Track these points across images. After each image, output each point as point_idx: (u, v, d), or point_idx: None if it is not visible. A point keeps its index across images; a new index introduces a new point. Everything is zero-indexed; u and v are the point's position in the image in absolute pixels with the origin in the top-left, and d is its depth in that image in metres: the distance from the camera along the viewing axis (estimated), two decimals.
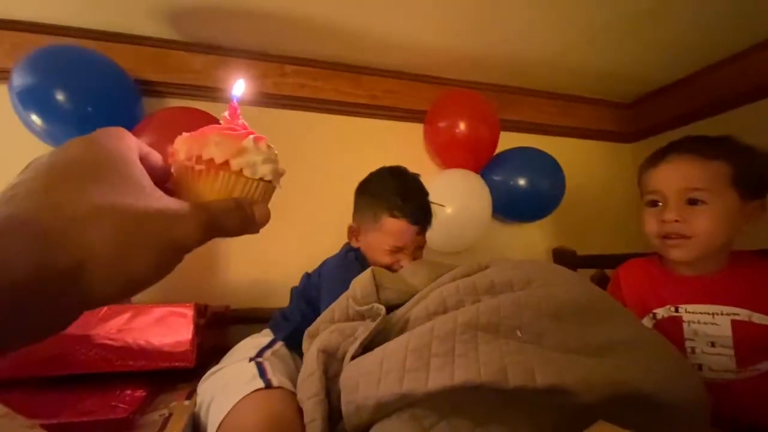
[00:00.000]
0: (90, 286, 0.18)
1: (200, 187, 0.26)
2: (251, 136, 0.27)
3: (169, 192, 0.25)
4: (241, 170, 0.26)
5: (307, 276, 0.87)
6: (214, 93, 1.14)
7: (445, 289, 0.56)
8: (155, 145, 0.96)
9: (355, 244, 0.86)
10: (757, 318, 0.63)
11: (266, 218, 0.28)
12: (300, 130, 1.23)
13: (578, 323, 0.48)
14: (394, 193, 0.79)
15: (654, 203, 0.72)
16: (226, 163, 0.26)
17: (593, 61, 1.30)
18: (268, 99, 1.19)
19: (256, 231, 0.27)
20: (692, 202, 0.66)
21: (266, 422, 0.49)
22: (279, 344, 0.74)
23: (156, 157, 0.26)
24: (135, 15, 1.02)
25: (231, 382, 0.59)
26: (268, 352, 0.69)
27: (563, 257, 1.35)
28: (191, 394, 0.68)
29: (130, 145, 0.23)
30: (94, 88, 0.90)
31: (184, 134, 0.27)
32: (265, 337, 0.77)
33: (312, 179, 1.21)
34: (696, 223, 0.66)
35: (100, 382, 0.68)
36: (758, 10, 1.03)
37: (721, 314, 0.66)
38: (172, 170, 0.27)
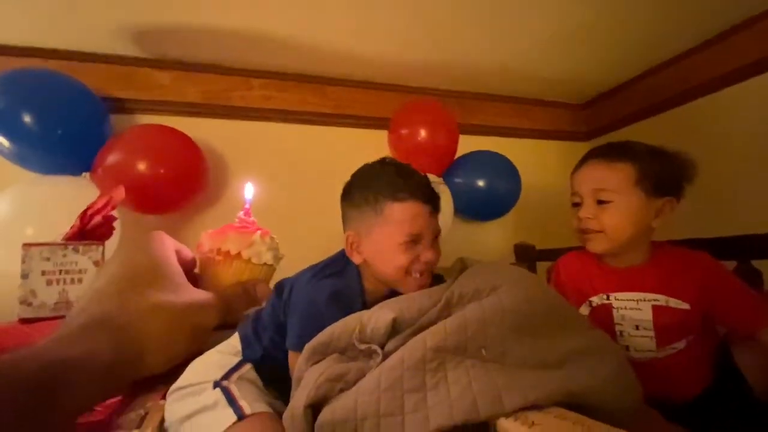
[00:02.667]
0: (146, 364, 0.25)
1: (219, 272, 0.36)
2: (259, 232, 0.38)
3: (196, 277, 0.35)
4: (250, 258, 0.36)
5: (279, 291, 0.71)
6: (181, 108, 1.17)
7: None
8: (126, 160, 0.99)
9: (357, 260, 0.68)
10: (673, 303, 0.72)
11: (266, 294, 0.37)
12: (268, 140, 1.28)
13: (537, 335, 0.52)
14: (392, 174, 0.65)
15: (576, 204, 0.80)
16: (239, 253, 0.36)
17: (547, 67, 1.39)
18: (236, 111, 1.23)
19: (261, 305, 0.36)
20: (601, 201, 0.75)
21: None
22: (247, 367, 0.67)
23: (186, 251, 0.34)
24: (101, 35, 1.05)
25: (200, 415, 0.57)
26: (234, 375, 0.65)
27: (524, 252, 1.44)
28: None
29: (170, 246, 0.31)
30: (60, 109, 0.93)
31: (209, 231, 0.37)
32: (231, 355, 0.70)
33: (282, 187, 1.25)
34: (604, 219, 0.74)
35: None
36: (689, 18, 1.14)
37: (644, 300, 0.74)
38: (197, 259, 0.36)
